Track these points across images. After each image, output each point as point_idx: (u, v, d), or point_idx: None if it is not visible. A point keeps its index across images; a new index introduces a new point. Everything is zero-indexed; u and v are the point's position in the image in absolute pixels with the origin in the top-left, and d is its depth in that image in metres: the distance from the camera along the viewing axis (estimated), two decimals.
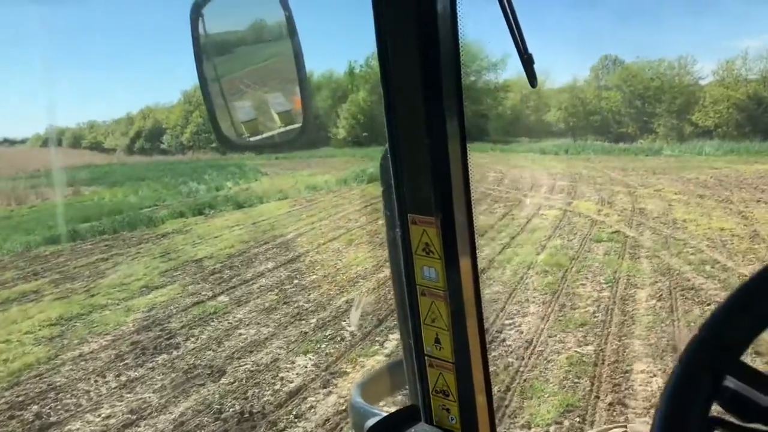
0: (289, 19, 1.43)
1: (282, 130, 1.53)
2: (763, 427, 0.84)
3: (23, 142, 42.78)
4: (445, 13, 1.23)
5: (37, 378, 7.88)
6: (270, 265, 12.56)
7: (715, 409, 0.86)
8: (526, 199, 17.68)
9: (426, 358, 1.46)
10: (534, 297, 9.41)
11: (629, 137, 31.56)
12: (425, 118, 1.27)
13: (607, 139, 31.82)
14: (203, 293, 10.95)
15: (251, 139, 1.54)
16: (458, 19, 1.25)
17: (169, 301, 10.66)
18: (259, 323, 9.25)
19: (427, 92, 1.25)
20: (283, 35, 1.45)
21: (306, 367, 7.59)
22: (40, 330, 9.66)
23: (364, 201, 19.54)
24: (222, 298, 10.59)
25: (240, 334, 8.87)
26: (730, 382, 0.85)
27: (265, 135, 1.55)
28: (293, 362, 7.75)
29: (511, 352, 7.56)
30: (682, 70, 32.26)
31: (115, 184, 28.36)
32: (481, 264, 11.24)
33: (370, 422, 1.51)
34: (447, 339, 1.41)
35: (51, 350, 8.79)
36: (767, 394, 0.83)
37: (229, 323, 9.35)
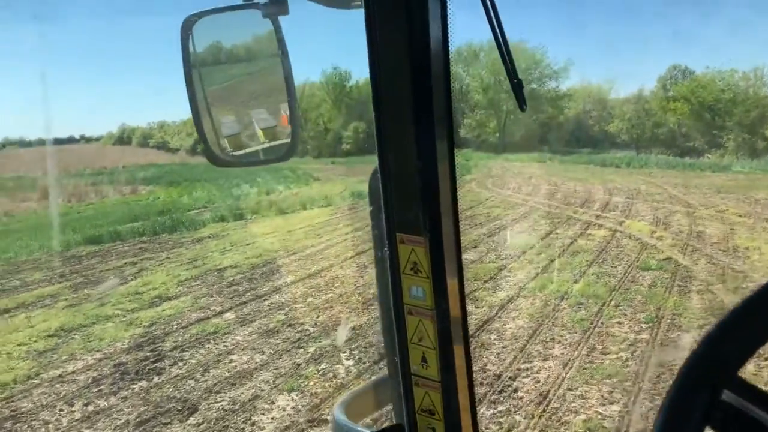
0: (280, 39, 1.45)
1: (268, 145, 1.55)
2: None
3: (98, 139, 43.76)
4: (437, 37, 1.23)
5: (4, 402, 7.11)
6: (290, 279, 11.61)
7: None
8: (575, 215, 16.15)
9: (412, 377, 1.44)
10: (561, 336, 8.09)
11: (696, 151, 29.14)
12: (416, 139, 1.27)
13: (672, 152, 29.44)
14: (212, 308, 10.08)
15: (235, 153, 1.56)
16: (449, 43, 1.26)
17: (174, 315, 9.83)
18: (254, 348, 8.28)
19: (418, 113, 1.26)
20: (272, 53, 1.47)
21: (284, 409, 6.54)
22: (35, 342, 8.97)
23: None
24: (228, 315, 9.68)
25: (230, 361, 7.91)
26: (726, 397, 0.82)
27: (249, 150, 1.57)
28: (273, 402, 6.71)
29: (521, 407, 6.30)
30: (758, 81, 29.70)
31: (172, 184, 28.14)
32: (512, 291, 9.99)
33: None
34: (434, 358, 1.39)
35: (34, 367, 8.06)
36: (764, 409, 0.81)
37: (224, 346, 8.41)
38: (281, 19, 1.46)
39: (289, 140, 1.54)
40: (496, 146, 33.88)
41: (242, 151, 1.57)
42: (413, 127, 1.26)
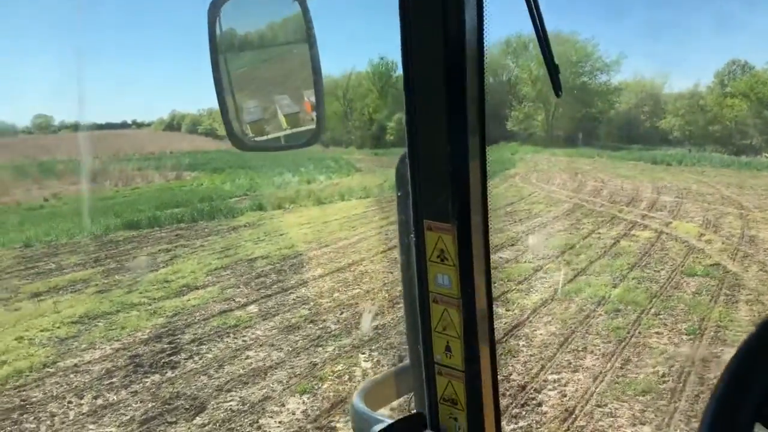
0: (308, 22, 1.41)
1: (291, 131, 1.52)
2: None
3: (149, 125, 44.36)
4: (472, 22, 1.21)
5: (16, 390, 6.97)
6: (318, 272, 11.29)
7: None
8: (620, 215, 15.40)
9: (435, 365, 1.41)
10: (594, 345, 7.54)
11: (753, 150, 27.70)
12: (447, 125, 1.25)
13: (728, 151, 28.01)
14: (237, 300, 9.84)
15: (257, 139, 1.53)
16: (484, 29, 1.23)
17: (199, 306, 9.62)
18: (273, 345, 7.98)
19: (451, 100, 1.23)
20: (300, 38, 1.43)
21: (294, 413, 6.20)
22: (58, 328, 8.87)
23: None
24: (251, 308, 9.42)
25: (247, 357, 7.63)
26: None
27: (271, 136, 1.53)
28: (283, 405, 6.38)
29: (544, 423, 5.82)
30: None
31: (216, 170, 28.23)
32: (546, 294, 9.45)
33: (376, 428, 1.42)
34: (458, 347, 1.37)
35: (52, 355, 7.93)
36: None
37: (243, 341, 8.14)
38: (309, 3, 1.41)
39: (313, 126, 1.50)
40: (543, 140, 32.94)
41: (264, 137, 1.53)
42: (445, 112, 1.24)
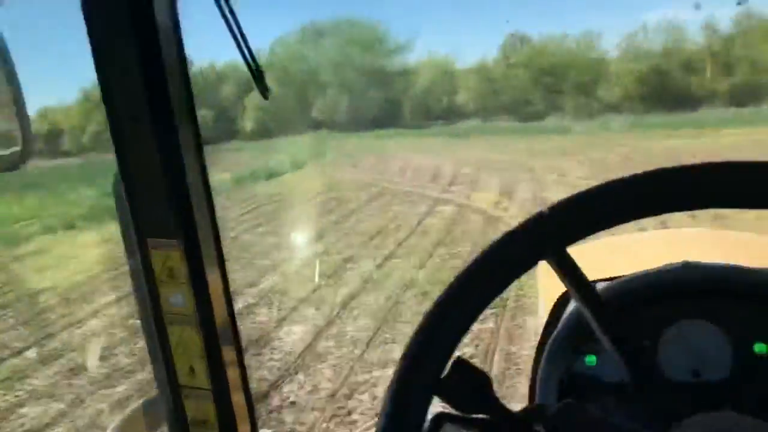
0: None
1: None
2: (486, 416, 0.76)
3: None
4: (165, 14, 1.07)
5: None
6: (113, 296, 10.06)
7: None
8: (425, 192, 15.56)
9: (181, 389, 1.32)
10: (403, 334, 7.26)
11: (539, 116, 29.85)
12: (153, 134, 1.12)
13: (518, 118, 30.01)
14: (12, 345, 8.40)
15: None
16: (180, 23, 1.12)
17: None
18: (53, 395, 6.80)
19: (154, 105, 1.10)
20: None
21: None
22: None
23: (254, 203, 17.11)
24: (30, 353, 8.06)
25: (19, 417, 6.42)
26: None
27: None
28: None
29: None
30: (587, 45, 30.76)
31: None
32: (357, 283, 9.10)
33: None
34: (201, 367, 1.28)
35: None
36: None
37: (16, 397, 6.88)
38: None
39: (19, 147, 1.25)
40: (349, 125, 33.05)
41: None
42: (151, 122, 1.10)
